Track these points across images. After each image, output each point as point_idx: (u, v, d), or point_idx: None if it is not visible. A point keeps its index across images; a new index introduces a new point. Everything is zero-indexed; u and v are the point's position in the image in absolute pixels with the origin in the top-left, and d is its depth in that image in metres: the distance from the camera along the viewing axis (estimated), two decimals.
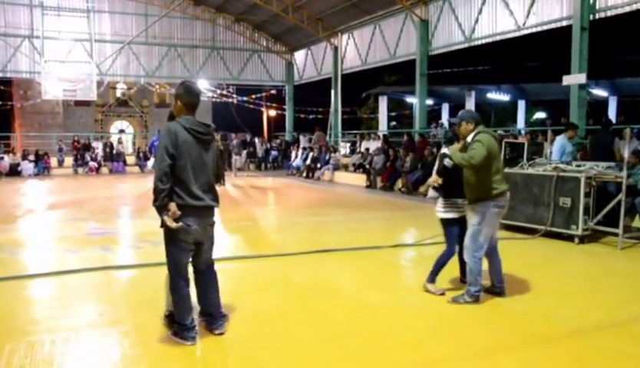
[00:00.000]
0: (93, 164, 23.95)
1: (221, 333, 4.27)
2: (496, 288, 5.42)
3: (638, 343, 4.30)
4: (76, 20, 24.50)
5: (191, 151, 3.94)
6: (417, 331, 4.58)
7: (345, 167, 20.73)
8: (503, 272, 5.41)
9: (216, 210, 4.27)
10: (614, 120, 18.00)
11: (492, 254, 5.36)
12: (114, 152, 25.08)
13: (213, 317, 4.30)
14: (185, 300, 4.11)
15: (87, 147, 24.88)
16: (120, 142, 26.18)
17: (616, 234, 7.82)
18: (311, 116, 33.22)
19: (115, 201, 13.98)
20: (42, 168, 23.18)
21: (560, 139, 10.37)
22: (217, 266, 4.46)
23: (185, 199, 3.93)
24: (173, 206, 3.91)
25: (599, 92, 24.12)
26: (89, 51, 24.45)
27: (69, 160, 24.59)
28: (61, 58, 23.99)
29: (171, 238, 4.01)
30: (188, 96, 4.08)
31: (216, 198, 4.15)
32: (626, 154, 8.29)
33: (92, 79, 24.02)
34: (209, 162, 4.09)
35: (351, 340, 4.31)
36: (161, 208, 3.93)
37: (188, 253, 4.10)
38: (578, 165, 8.79)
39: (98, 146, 25.06)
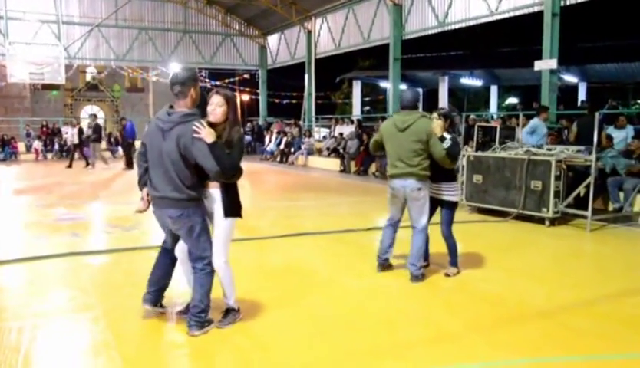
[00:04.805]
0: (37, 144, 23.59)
1: (192, 335, 3.95)
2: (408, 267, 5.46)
3: (605, 322, 4.38)
4: (42, 0, 23.79)
5: (152, 140, 3.94)
6: (390, 313, 4.60)
7: (319, 152, 20.71)
8: (416, 255, 5.37)
9: None
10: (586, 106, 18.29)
11: (413, 234, 5.46)
12: (83, 136, 24.53)
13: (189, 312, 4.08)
14: (152, 268, 4.32)
15: (57, 132, 24.31)
16: (90, 126, 25.57)
17: (586, 217, 7.97)
18: (285, 101, 33.07)
19: (85, 186, 13.72)
20: (9, 153, 22.62)
21: (534, 121, 10.53)
22: None
23: (148, 186, 4.08)
24: (144, 191, 4.16)
25: (570, 78, 24.49)
26: (56, 34, 23.82)
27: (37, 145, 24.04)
28: (26, 40, 23.31)
29: None
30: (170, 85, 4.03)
31: (176, 189, 3.84)
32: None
33: (60, 62, 23.43)
34: (165, 151, 3.83)
35: (324, 323, 4.32)
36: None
37: (167, 234, 4.20)
38: (549, 149, 8.91)
39: (67, 131, 24.49)
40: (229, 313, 4.21)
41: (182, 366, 3.74)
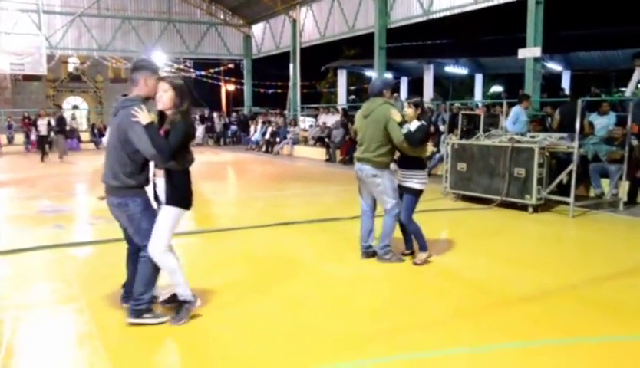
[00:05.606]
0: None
1: (127, 322, 3.98)
2: None
3: (589, 306, 4.44)
4: None
5: (110, 127, 4.05)
6: (376, 301, 4.62)
7: (305, 141, 20.67)
8: (368, 235, 5.78)
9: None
10: (567, 93, 18.44)
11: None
12: (67, 128, 24.27)
13: None
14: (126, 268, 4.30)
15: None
16: (73, 118, 25.35)
17: (568, 203, 8.04)
18: (270, 91, 32.92)
19: (68, 178, 13.58)
20: None
21: (515, 109, 10.59)
22: (175, 241, 4.30)
23: None
24: None
25: (554, 66, 24.60)
26: (37, 23, 23.46)
27: (19, 137, 23.72)
28: (6, 30, 22.93)
29: None
30: None
31: (114, 177, 3.88)
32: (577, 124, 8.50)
33: (41, 52, 23.10)
34: (111, 137, 3.93)
35: (312, 311, 4.33)
36: None
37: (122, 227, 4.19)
38: (532, 137, 8.96)
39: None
40: (182, 307, 4.06)
41: (165, 357, 3.73)
